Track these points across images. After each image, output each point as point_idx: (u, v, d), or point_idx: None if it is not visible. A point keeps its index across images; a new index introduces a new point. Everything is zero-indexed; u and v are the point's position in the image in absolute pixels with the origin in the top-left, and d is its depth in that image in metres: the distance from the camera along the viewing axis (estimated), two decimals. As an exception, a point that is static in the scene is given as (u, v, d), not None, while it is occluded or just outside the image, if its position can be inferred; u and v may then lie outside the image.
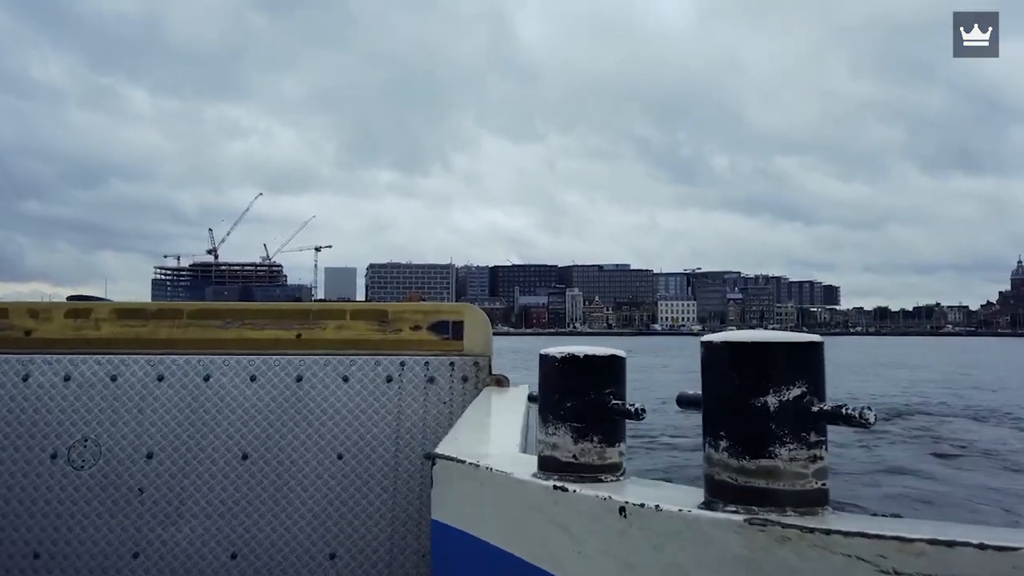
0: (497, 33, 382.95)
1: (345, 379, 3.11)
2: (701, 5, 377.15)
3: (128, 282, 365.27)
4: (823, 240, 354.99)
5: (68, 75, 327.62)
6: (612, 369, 1.47)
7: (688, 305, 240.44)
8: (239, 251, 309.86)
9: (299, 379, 3.11)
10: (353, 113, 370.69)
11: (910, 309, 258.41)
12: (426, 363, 3.15)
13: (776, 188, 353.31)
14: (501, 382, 3.18)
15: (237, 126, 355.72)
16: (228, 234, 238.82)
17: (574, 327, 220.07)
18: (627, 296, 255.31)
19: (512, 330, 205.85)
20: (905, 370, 45.26)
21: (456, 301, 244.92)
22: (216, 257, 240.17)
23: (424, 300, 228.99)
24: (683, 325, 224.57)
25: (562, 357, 1.45)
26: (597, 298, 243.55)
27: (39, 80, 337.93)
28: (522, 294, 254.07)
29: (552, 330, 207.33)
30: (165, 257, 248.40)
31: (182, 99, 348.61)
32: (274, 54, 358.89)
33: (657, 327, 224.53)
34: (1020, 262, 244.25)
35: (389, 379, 3.12)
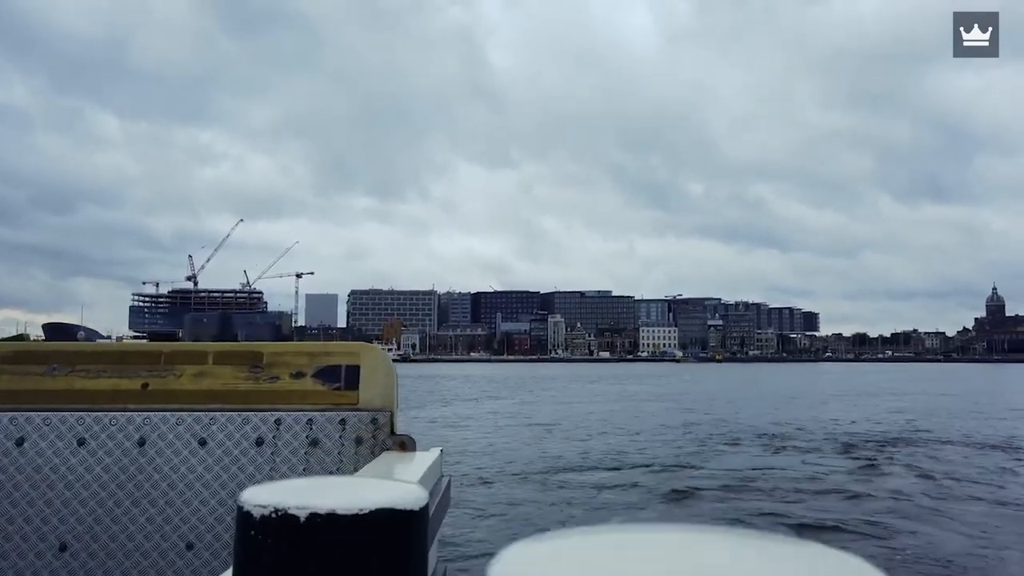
0: (468, 59, 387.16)
1: (202, 442, 2.42)
2: (667, 35, 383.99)
3: (104, 309, 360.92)
4: (799, 267, 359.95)
5: (33, 98, 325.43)
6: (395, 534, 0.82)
7: (670, 331, 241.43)
8: (218, 278, 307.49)
9: (142, 443, 2.41)
10: (327, 139, 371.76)
11: (888, 335, 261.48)
12: (309, 420, 2.46)
13: (752, 215, 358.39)
14: (405, 445, 2.44)
15: (209, 151, 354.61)
16: (208, 260, 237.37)
17: (556, 353, 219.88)
18: (609, 322, 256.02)
19: (494, 357, 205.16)
20: (884, 398, 45.69)
21: (438, 328, 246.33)
22: (195, 284, 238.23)
23: (405, 327, 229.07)
24: (665, 351, 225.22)
25: (278, 515, 0.78)
26: (579, 324, 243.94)
27: (3, 103, 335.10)
28: (504, 320, 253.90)
29: (534, 356, 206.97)
30: (144, 284, 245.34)
31: (151, 123, 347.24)
32: (244, 79, 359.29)
33: (640, 353, 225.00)
34: (994, 289, 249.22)
35: (260, 442, 2.43)
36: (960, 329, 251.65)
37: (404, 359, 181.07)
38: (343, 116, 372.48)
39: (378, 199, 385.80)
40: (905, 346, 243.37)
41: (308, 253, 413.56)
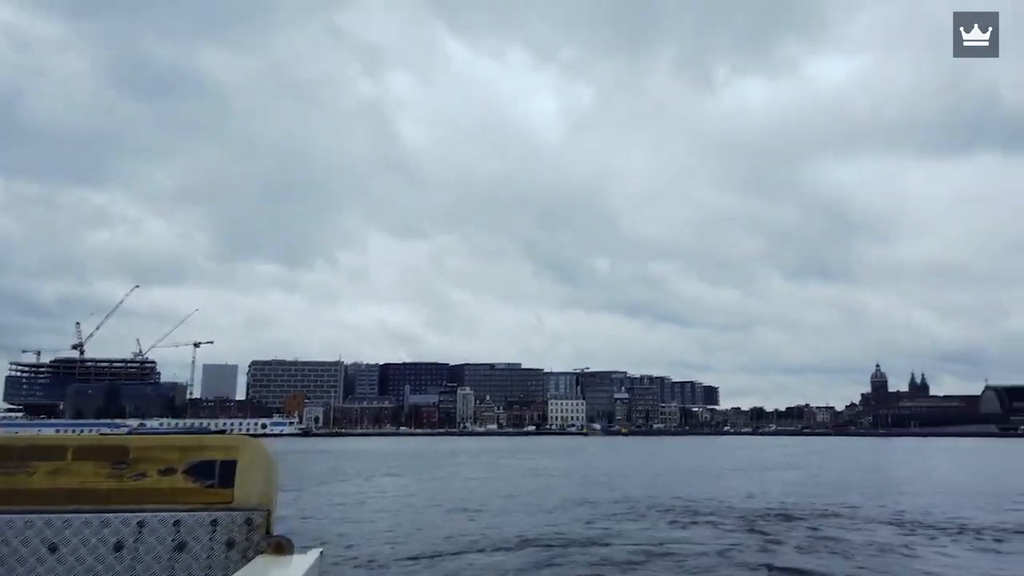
0: (379, 133, 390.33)
1: (53, 548, 2.15)
2: (572, 119, 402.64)
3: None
4: (700, 342, 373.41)
5: None
6: None
7: (578, 404, 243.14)
8: (108, 347, 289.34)
9: None
10: (231, 206, 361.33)
11: (783, 409, 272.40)
12: (176, 522, 2.24)
13: (654, 291, 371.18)
14: (282, 547, 2.25)
15: (103, 214, 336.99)
16: (97, 328, 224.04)
17: (465, 426, 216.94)
18: (518, 395, 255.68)
19: (401, 430, 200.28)
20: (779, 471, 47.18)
21: (344, 400, 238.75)
22: (82, 353, 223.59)
23: (308, 400, 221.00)
24: (573, 424, 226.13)
25: None
26: (488, 397, 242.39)
27: None
28: (413, 392, 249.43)
29: (443, 430, 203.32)
30: (24, 352, 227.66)
31: (40, 184, 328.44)
32: (145, 142, 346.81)
33: (549, 426, 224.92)
34: (877, 366, 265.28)
35: (119, 547, 2.18)
36: (848, 404, 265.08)
37: (306, 433, 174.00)
38: (249, 184, 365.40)
39: (284, 267, 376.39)
40: (798, 420, 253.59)
41: (208, 322, 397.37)
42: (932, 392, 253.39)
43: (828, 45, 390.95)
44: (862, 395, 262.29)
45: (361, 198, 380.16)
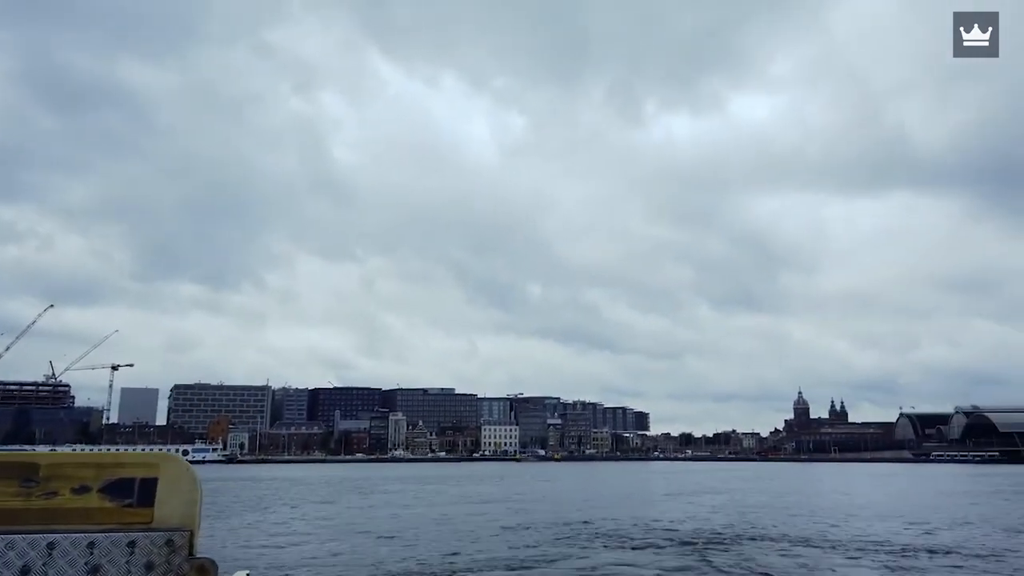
0: (311, 152, 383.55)
1: None
2: (505, 146, 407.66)
3: None
4: (630, 368, 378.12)
5: None
6: None
7: (511, 430, 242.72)
8: (19, 369, 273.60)
9: None
10: (152, 224, 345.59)
11: (711, 435, 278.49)
12: (90, 544, 2.10)
13: (586, 318, 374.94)
14: (205, 570, 2.17)
15: (11, 229, 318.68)
16: (7, 349, 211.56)
17: (397, 453, 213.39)
18: (451, 420, 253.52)
19: (330, 457, 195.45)
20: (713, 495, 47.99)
21: (271, 426, 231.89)
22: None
23: (233, 425, 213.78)
24: (506, 450, 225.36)
25: None
26: (421, 423, 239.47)
27: None
28: (343, 418, 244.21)
29: (373, 456, 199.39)
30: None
31: None
32: (59, 155, 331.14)
33: (482, 452, 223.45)
34: (800, 393, 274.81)
35: (26, 571, 2.04)
36: (772, 430, 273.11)
37: (230, 460, 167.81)
38: (172, 201, 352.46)
39: (209, 288, 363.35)
40: (725, 445, 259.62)
41: (127, 344, 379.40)
42: (851, 419, 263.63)
43: (751, 83, 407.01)
44: (785, 421, 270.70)
45: (290, 218, 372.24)
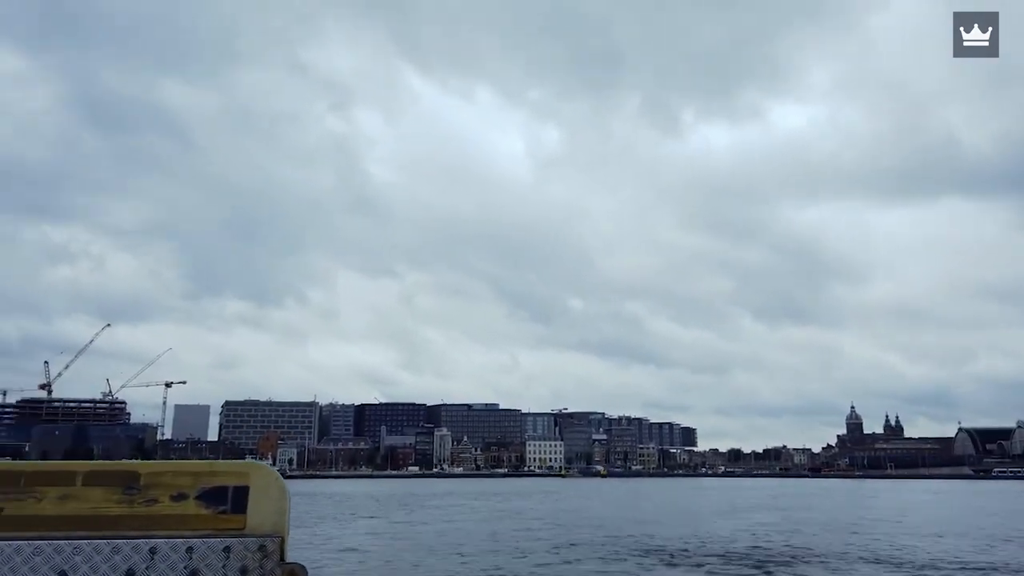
0: (347, 169, 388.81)
1: (62, 575, 2.13)
2: (538, 159, 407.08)
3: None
4: (674, 383, 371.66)
5: None
6: None
7: (556, 445, 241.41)
8: (76, 387, 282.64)
9: None
10: (196, 242, 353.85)
11: (760, 451, 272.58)
12: (189, 549, 2.21)
13: (627, 331, 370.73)
14: (296, 574, 2.26)
15: (64, 250, 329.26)
16: (66, 367, 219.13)
17: (442, 468, 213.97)
18: (496, 436, 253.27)
19: (377, 472, 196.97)
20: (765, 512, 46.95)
21: (319, 442, 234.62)
22: (50, 392, 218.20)
23: (282, 441, 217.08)
24: (551, 466, 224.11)
25: None
26: (465, 438, 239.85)
27: None
28: (389, 434, 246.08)
29: (419, 472, 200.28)
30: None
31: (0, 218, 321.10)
32: (107, 178, 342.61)
33: (528, 467, 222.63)
34: (852, 408, 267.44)
35: (130, 574, 2.16)
36: (824, 446, 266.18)
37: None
38: (215, 219, 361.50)
39: (253, 305, 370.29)
40: (776, 461, 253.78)
41: (176, 361, 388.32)
42: (906, 434, 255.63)
43: (789, 92, 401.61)
44: (838, 437, 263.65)
45: (329, 235, 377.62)
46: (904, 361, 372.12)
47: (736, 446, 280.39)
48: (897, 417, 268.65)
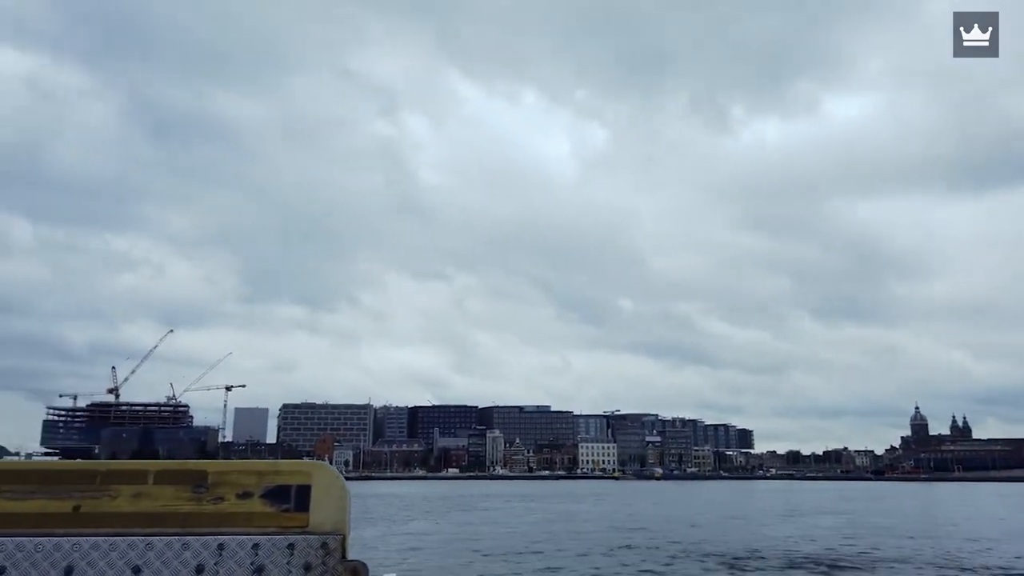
0: (395, 173, 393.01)
1: (137, 571, 2.21)
2: (585, 160, 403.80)
3: (9, 423, 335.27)
4: (729, 384, 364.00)
5: None
6: None
7: (609, 447, 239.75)
8: (140, 390, 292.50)
9: (69, 571, 2.18)
10: (251, 248, 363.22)
11: (820, 453, 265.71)
12: (255, 545, 2.27)
13: (679, 332, 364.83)
14: (357, 572, 2.29)
15: (126, 258, 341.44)
16: (132, 372, 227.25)
17: (495, 470, 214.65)
18: (548, 438, 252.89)
19: (430, 474, 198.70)
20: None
21: (373, 444, 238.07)
22: (117, 397, 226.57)
23: (338, 443, 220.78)
24: (604, 468, 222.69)
25: None
26: (518, 440, 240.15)
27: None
28: (442, 435, 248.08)
29: (472, 473, 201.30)
30: (60, 396, 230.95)
31: (66, 229, 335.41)
32: (164, 188, 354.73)
33: (580, 469, 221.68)
34: (917, 408, 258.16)
35: (200, 569, 2.23)
36: (888, 447, 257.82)
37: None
38: (268, 226, 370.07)
39: (307, 309, 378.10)
40: (837, 464, 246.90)
41: (234, 364, 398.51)
42: (975, 435, 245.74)
43: (843, 84, 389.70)
44: (902, 438, 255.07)
45: (379, 239, 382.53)
46: (971, 360, 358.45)
47: (795, 448, 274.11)
48: (965, 418, 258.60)
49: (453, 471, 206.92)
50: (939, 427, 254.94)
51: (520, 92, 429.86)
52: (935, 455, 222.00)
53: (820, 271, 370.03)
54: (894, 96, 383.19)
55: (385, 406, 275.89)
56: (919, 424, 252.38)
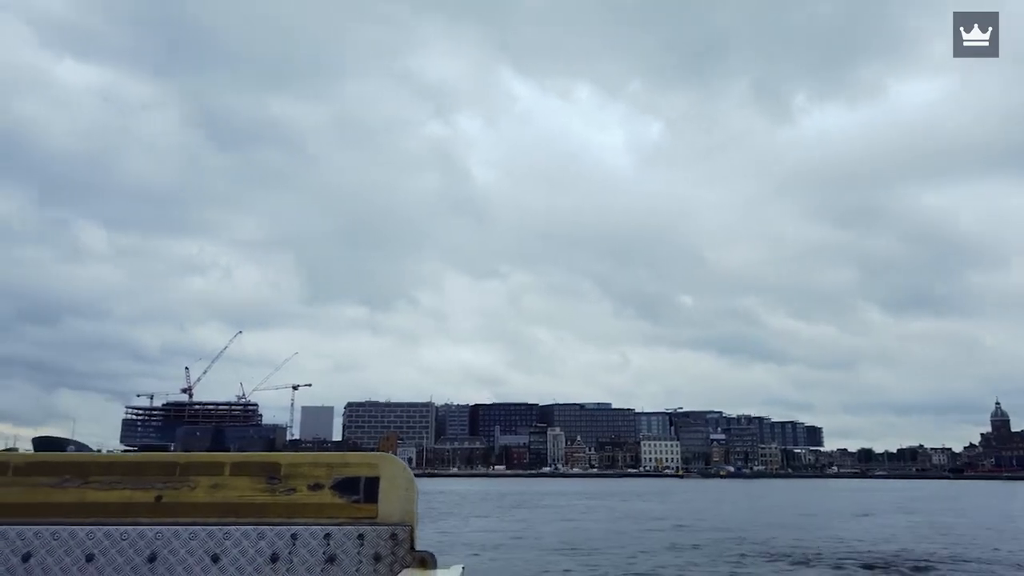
0: (451, 173, 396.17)
1: (215, 559, 2.30)
2: (641, 153, 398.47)
3: (92, 422, 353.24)
4: (797, 380, 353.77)
5: (17, 212, 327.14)
6: None
7: (671, 445, 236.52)
8: (212, 390, 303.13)
9: (152, 559, 2.28)
10: (313, 251, 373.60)
11: (894, 451, 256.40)
12: (326, 535, 2.36)
13: (743, 327, 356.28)
14: (426, 562, 2.34)
15: (194, 263, 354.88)
16: (205, 372, 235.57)
17: (556, 467, 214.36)
18: (609, 435, 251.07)
19: (492, 471, 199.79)
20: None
21: (435, 441, 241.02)
22: (191, 396, 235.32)
23: (401, 441, 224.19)
24: (667, 466, 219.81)
25: None
26: (579, 437, 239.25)
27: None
28: (503, 433, 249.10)
29: (533, 471, 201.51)
30: (138, 396, 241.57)
31: (137, 236, 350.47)
32: (229, 193, 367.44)
33: (643, 467, 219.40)
34: (997, 404, 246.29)
35: (275, 558, 2.31)
36: (967, 445, 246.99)
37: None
38: (328, 228, 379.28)
39: (368, 309, 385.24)
40: (912, 462, 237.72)
41: (299, 364, 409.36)
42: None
43: (909, 66, 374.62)
44: (982, 435, 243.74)
45: (436, 239, 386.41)
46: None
47: (867, 446, 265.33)
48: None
49: (515, 469, 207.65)
50: (1022, 423, 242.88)
51: (573, 87, 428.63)
52: (1018, 453, 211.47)
53: (889, 262, 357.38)
54: (967, 78, 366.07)
55: (446, 404, 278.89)
56: (1000, 420, 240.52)
